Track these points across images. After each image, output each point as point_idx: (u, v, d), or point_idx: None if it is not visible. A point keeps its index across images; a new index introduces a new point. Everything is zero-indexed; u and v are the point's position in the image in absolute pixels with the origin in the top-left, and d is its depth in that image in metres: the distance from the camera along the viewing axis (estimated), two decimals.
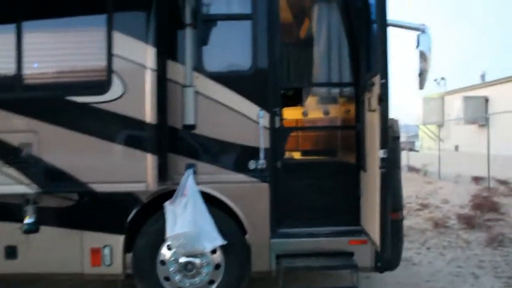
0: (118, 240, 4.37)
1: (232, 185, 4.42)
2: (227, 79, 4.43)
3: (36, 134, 3.91)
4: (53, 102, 3.93)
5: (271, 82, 4.44)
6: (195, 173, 4.36)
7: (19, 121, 3.88)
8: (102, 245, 4.36)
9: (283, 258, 4.45)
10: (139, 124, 3.90)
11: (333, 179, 4.60)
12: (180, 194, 4.24)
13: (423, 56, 4.27)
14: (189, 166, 4.37)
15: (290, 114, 5.31)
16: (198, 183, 4.34)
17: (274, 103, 4.48)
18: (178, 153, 4.42)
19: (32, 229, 4.02)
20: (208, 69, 4.43)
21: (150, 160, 3.92)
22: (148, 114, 3.89)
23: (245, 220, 4.41)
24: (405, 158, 20.13)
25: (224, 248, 4.44)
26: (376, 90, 3.76)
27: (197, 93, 4.39)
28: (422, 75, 4.31)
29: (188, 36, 4.35)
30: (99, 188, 3.99)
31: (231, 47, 4.53)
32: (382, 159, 3.66)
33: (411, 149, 25.87)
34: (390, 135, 4.19)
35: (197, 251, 4.26)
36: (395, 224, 4.49)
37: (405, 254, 6.45)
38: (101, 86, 3.94)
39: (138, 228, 4.44)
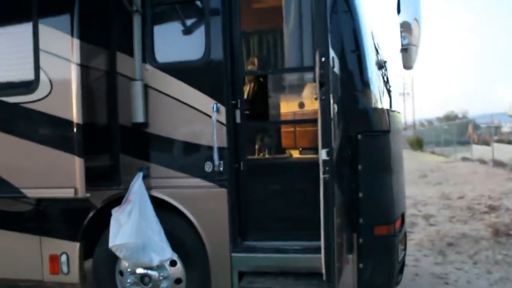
0: (74, 247, 4.11)
1: (186, 190, 3.90)
2: (178, 70, 3.90)
3: None
4: None
5: (227, 71, 3.81)
6: (145, 176, 3.92)
7: None
8: (59, 252, 4.15)
9: (246, 276, 3.83)
10: (66, 124, 3.54)
11: (308, 183, 3.78)
12: (126, 200, 3.84)
13: (405, 26, 3.30)
14: (140, 169, 3.95)
15: (286, 106, 4.56)
16: (150, 188, 3.91)
17: (232, 95, 3.86)
18: (130, 155, 4.03)
19: None
20: (158, 60, 3.95)
21: (77, 164, 3.55)
22: (75, 113, 3.52)
23: (202, 230, 3.86)
24: (492, 151, 17.52)
25: (185, 261, 3.96)
26: (317, 72, 2.95)
27: (147, 87, 3.94)
28: (406, 51, 3.34)
29: (135, 25, 3.91)
30: (31, 193, 3.76)
31: (182, 35, 3.97)
32: (324, 162, 2.86)
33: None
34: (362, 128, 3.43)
35: (144, 264, 3.84)
36: (381, 241, 3.62)
37: (441, 269, 5.38)
38: (30, 85, 3.67)
39: (98, 236, 4.16)
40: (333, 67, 3.02)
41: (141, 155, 3.99)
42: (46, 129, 3.66)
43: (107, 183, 4.01)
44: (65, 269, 4.14)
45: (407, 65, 3.40)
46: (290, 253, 3.76)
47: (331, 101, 2.87)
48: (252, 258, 3.82)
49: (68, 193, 3.58)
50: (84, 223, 4.08)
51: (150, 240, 3.79)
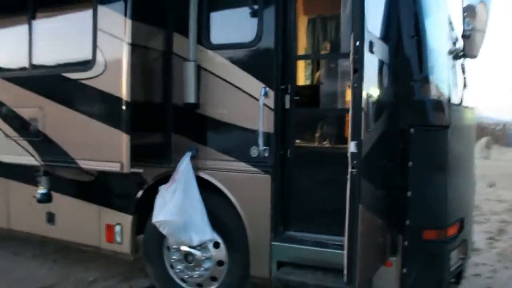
0: (127, 220, 4.33)
1: (232, 173, 3.87)
2: (230, 52, 3.86)
3: (41, 109, 4.13)
4: (53, 79, 4.07)
5: (277, 54, 3.68)
6: (193, 157, 3.97)
7: (28, 97, 4.16)
8: (115, 222, 4.40)
9: (285, 266, 3.73)
10: (116, 101, 3.69)
11: None
12: (172, 178, 3.93)
13: (469, 9, 2.90)
14: (188, 149, 4.00)
15: (339, 94, 4.33)
16: (197, 168, 3.96)
17: (282, 79, 3.73)
18: (181, 134, 4.10)
19: (44, 199, 4.31)
20: (212, 42, 3.94)
21: (124, 140, 3.68)
22: (124, 91, 3.64)
23: (244, 215, 3.82)
24: None
25: (228, 244, 3.97)
26: (351, 57, 2.70)
27: (200, 68, 3.96)
28: (469, 38, 2.94)
29: (191, 5, 3.91)
30: (85, 165, 3.99)
31: (236, 17, 3.91)
32: (353, 155, 2.63)
33: None
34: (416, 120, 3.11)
35: (184, 243, 3.91)
36: (429, 247, 3.30)
37: None
38: (88, 63, 3.88)
39: (150, 211, 4.32)
40: (373, 52, 2.76)
41: (191, 135, 4.04)
42: (100, 105, 3.85)
43: (159, 160, 4.13)
44: (118, 239, 4.38)
45: (470, 53, 3.01)
46: (331, 248, 3.56)
47: (363, 89, 2.63)
48: (291, 249, 3.70)
49: (115, 167, 3.75)
50: (137, 197, 4.26)
51: (192, 220, 3.84)
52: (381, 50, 3.01)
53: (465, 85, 4.24)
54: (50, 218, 4.75)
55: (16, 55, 4.37)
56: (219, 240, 3.98)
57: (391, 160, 3.28)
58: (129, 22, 3.61)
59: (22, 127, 4.27)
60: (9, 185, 5.01)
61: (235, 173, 3.86)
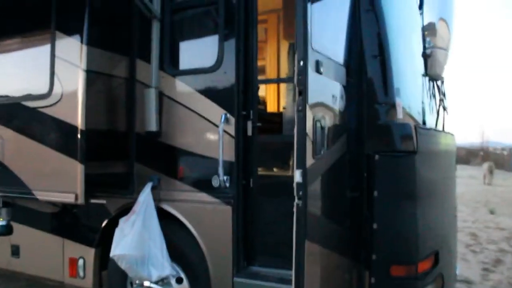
0: (90, 253, 4.12)
1: (193, 205, 3.67)
2: (191, 77, 3.72)
3: (0, 138, 4.00)
4: (12, 108, 3.96)
5: (239, 79, 3.52)
6: (155, 187, 3.78)
7: None
8: (78, 256, 4.20)
9: None
10: (71, 129, 3.55)
11: None
12: (131, 210, 3.74)
13: (429, 27, 2.72)
14: (149, 179, 3.82)
15: None
16: (159, 200, 3.77)
17: (244, 105, 3.55)
18: (144, 164, 3.92)
19: (3, 232, 4.13)
20: (173, 68, 3.81)
21: (78, 170, 3.52)
22: (79, 119, 3.51)
23: (205, 249, 3.60)
24: None
25: (191, 279, 3.74)
26: (295, 79, 2.52)
27: (162, 95, 3.81)
28: (430, 56, 2.75)
29: (153, 31, 3.80)
30: (41, 196, 3.83)
31: (197, 42, 3.81)
32: (298, 185, 2.42)
33: None
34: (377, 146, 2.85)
35: (143, 278, 3.69)
36: (398, 284, 3.02)
37: None
38: (46, 90, 3.76)
39: None
40: (320, 73, 2.58)
41: (154, 165, 3.87)
42: (56, 134, 3.71)
43: (121, 191, 3.96)
44: (81, 273, 4.17)
45: (432, 72, 2.81)
46: None
47: (308, 113, 2.43)
48: (254, 286, 3.45)
49: (70, 198, 3.58)
50: (100, 229, 4.07)
51: (151, 254, 3.63)
52: (334, 70, 2.83)
53: (444, 109, 4.04)
54: (15, 250, 4.56)
55: None
56: (182, 275, 3.76)
57: (355, 189, 3.05)
58: (85, 48, 3.50)
59: None
60: None
61: (196, 204, 3.66)
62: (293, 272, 2.51)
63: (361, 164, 3.07)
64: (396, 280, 3.01)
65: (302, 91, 2.41)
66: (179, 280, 3.77)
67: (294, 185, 2.44)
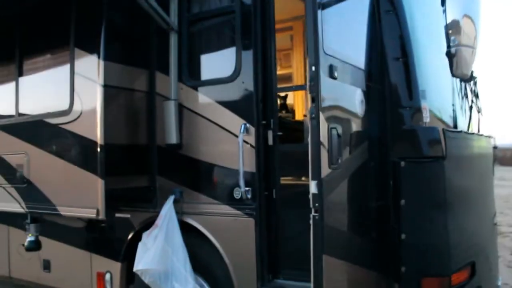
0: (116, 267, 4.11)
1: (215, 217, 3.60)
2: (210, 88, 3.67)
3: (26, 155, 4.06)
4: (36, 125, 4.01)
5: (257, 87, 3.44)
6: (177, 201, 3.74)
7: (15, 144, 4.12)
8: (105, 270, 4.21)
9: None
10: (91, 144, 3.55)
11: None
12: (154, 224, 3.70)
13: (454, 25, 2.56)
14: (172, 192, 3.78)
15: None
16: (182, 213, 3.72)
17: (264, 114, 3.46)
18: (166, 177, 3.89)
19: (32, 247, 4.18)
20: (192, 79, 3.77)
21: (99, 185, 3.51)
22: (98, 134, 3.51)
23: (229, 263, 3.52)
24: None
25: None
26: (307, 85, 2.40)
27: (181, 107, 3.78)
28: (455, 55, 2.58)
29: (171, 43, 3.78)
30: (64, 211, 3.85)
31: (215, 52, 3.77)
32: (314, 197, 2.29)
33: None
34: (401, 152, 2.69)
35: None
36: None
37: None
38: (67, 107, 3.80)
39: None
40: (334, 78, 2.45)
41: (175, 177, 3.83)
42: (77, 149, 3.73)
43: (145, 205, 3.94)
44: (108, 287, 4.18)
45: (458, 72, 2.64)
46: None
47: (322, 120, 2.31)
48: None
49: (91, 213, 3.58)
50: (125, 243, 4.06)
51: (174, 268, 3.58)
52: (352, 75, 2.70)
53: (478, 110, 3.82)
54: (46, 265, 4.63)
55: (6, 104, 4.40)
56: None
57: (381, 198, 2.89)
58: (102, 63, 3.51)
59: (11, 174, 4.23)
60: (9, 232, 4.98)
61: (218, 216, 3.59)
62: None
63: (387, 171, 2.91)
64: None
65: (314, 97, 2.30)
66: None
67: (310, 196, 2.33)
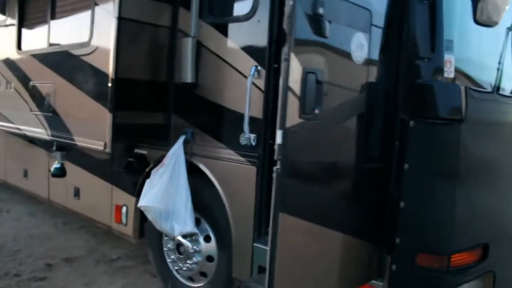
0: (131, 201, 4.18)
1: (220, 162, 3.48)
2: (226, 26, 3.45)
3: (54, 85, 4.17)
4: (62, 56, 4.07)
5: (272, 28, 3.16)
6: (187, 141, 3.67)
7: (45, 73, 4.24)
8: (122, 203, 4.32)
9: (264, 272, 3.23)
10: (104, 77, 3.53)
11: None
12: (161, 162, 3.68)
13: None
14: (184, 132, 3.71)
15: None
16: (191, 154, 3.65)
17: (276, 57, 3.19)
18: (180, 116, 3.82)
19: (57, 174, 4.38)
20: (211, 15, 3.56)
21: (108, 118, 3.51)
22: (110, 68, 3.46)
23: (229, 210, 3.42)
24: None
25: (219, 239, 3.62)
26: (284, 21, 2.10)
27: (200, 45, 3.62)
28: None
29: None
30: (79, 142, 3.92)
31: None
32: (278, 147, 2.05)
33: None
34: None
35: (166, 231, 3.64)
36: (424, 275, 2.55)
37: None
38: (87, 39, 3.78)
39: None
40: (319, 14, 2.10)
41: (188, 117, 3.74)
42: (93, 82, 3.75)
43: (161, 142, 3.92)
44: (124, 220, 4.29)
45: (484, 18, 2.18)
46: None
47: (295, 62, 2.01)
48: None
49: (99, 145, 3.62)
50: (140, 179, 4.10)
51: (175, 208, 3.55)
52: (348, 14, 2.33)
53: None
54: (76, 192, 4.87)
55: (40, 35, 4.52)
56: (210, 233, 3.66)
57: (380, 159, 2.58)
58: None
59: (41, 102, 4.41)
60: (49, 157, 5.27)
61: (224, 161, 3.46)
62: (268, 254, 2.19)
63: (392, 130, 2.57)
64: (422, 271, 2.54)
65: (288, 34, 2.02)
66: (207, 239, 3.68)
67: (276, 147, 2.10)
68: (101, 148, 3.64)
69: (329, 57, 2.31)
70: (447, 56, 2.53)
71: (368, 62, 2.49)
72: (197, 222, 3.72)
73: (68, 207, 5.07)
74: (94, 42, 3.72)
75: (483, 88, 2.73)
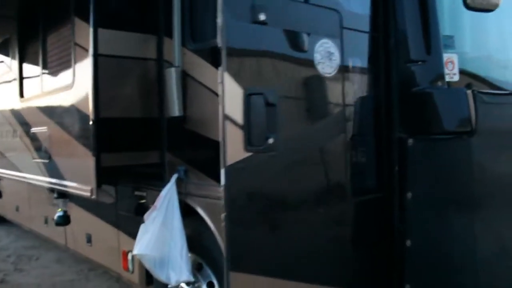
0: None
1: (213, 201, 3.11)
2: (210, 52, 3.13)
3: (48, 130, 4.03)
4: (52, 100, 3.93)
5: None
6: (181, 180, 3.35)
7: (41, 118, 4.11)
8: (128, 249, 4.05)
9: None
10: (85, 119, 3.32)
11: None
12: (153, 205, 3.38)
13: None
14: (176, 171, 3.40)
15: None
16: (185, 193, 3.34)
17: None
18: (173, 153, 3.53)
19: (60, 222, 4.20)
20: (195, 42, 3.28)
21: (90, 162, 3.28)
22: (90, 107, 3.25)
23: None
24: None
25: (223, 285, 3.23)
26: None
27: (185, 74, 3.33)
28: None
29: (175, 1, 3.34)
30: (71, 188, 3.71)
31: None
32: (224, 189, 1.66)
33: None
34: None
35: (163, 281, 3.30)
36: None
37: None
38: (71, 81, 3.61)
39: None
40: (262, 22, 1.71)
41: (180, 154, 3.46)
42: (78, 124, 3.55)
43: (157, 183, 3.65)
44: (131, 267, 4.03)
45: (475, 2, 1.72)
46: None
47: (232, 85, 1.63)
48: None
49: (87, 192, 3.39)
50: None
51: (170, 255, 3.23)
52: (308, 18, 1.93)
53: None
54: (88, 238, 4.68)
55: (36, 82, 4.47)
56: (213, 279, 3.29)
57: (377, 189, 2.12)
58: (91, 31, 3.21)
59: (39, 148, 4.29)
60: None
61: (217, 201, 3.09)
62: None
63: (388, 152, 2.11)
64: None
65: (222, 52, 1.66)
66: (211, 285, 3.32)
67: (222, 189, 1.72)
68: (88, 194, 3.40)
69: (283, 72, 1.92)
70: (447, 56, 2.06)
71: (343, 72, 2.06)
72: (199, 268, 3.40)
73: (83, 254, 4.89)
74: (76, 83, 3.55)
75: (496, 89, 2.21)
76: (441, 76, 2.06)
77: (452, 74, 2.06)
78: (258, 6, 1.79)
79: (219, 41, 1.78)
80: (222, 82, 1.73)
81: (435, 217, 2.04)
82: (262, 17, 1.77)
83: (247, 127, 1.75)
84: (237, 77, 1.75)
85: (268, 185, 1.90)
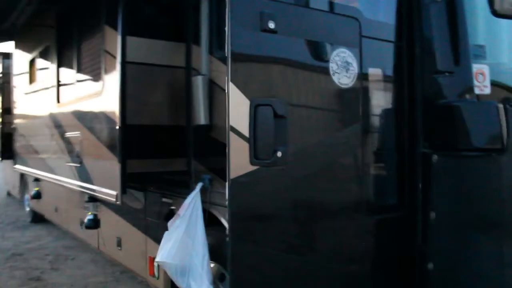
0: None
1: None
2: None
3: (80, 135, 4.11)
4: (84, 106, 4.01)
5: None
6: (205, 189, 3.33)
7: (74, 123, 4.21)
8: (154, 255, 4.06)
9: None
10: (113, 125, 3.37)
11: None
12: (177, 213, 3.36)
13: None
14: (201, 179, 3.38)
15: None
16: (210, 202, 3.31)
17: None
18: (199, 161, 3.51)
19: (90, 226, 4.26)
20: (220, 51, 3.26)
21: (116, 167, 3.31)
22: (117, 114, 3.29)
23: None
24: None
25: None
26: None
27: (211, 83, 3.32)
28: None
29: (203, 9, 3.34)
30: (99, 193, 3.75)
31: None
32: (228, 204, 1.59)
33: None
34: None
35: None
36: None
37: None
38: (101, 88, 3.68)
39: None
40: (272, 30, 1.64)
41: (206, 162, 3.44)
42: (106, 131, 3.60)
43: (183, 190, 3.65)
44: (156, 273, 4.04)
45: (504, 5, 1.59)
46: None
47: (238, 96, 1.56)
48: None
49: (112, 197, 3.42)
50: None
51: (192, 264, 3.20)
52: (324, 26, 1.84)
53: None
54: (118, 242, 4.75)
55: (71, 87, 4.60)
56: None
57: (397, 207, 2.00)
58: (119, 38, 3.26)
59: (72, 152, 4.39)
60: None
61: None
62: None
63: (412, 168, 1.99)
64: None
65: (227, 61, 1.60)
66: None
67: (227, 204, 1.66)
68: (114, 199, 3.44)
69: (295, 83, 1.85)
70: (477, 67, 1.92)
71: (362, 83, 1.96)
72: (222, 278, 3.36)
73: (113, 257, 4.97)
74: (105, 90, 3.62)
75: None
76: (470, 89, 1.93)
77: (482, 86, 1.92)
78: (267, 14, 1.73)
79: (226, 49, 1.74)
80: (227, 92, 1.68)
81: (459, 239, 1.90)
82: (271, 25, 1.71)
83: (253, 139, 1.70)
84: (244, 87, 1.70)
85: (275, 200, 1.83)
